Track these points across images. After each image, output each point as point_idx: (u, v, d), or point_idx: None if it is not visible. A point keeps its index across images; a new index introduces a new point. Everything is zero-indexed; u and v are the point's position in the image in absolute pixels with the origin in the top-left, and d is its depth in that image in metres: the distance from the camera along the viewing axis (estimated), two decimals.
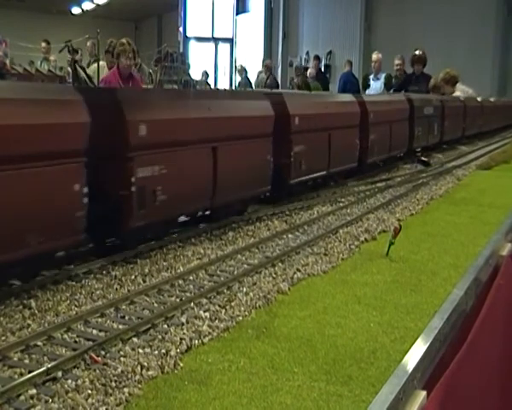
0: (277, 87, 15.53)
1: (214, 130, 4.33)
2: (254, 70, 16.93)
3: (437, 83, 11.83)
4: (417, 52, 11.70)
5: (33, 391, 2.17)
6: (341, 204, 5.64)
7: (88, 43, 11.98)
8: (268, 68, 15.89)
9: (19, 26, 26.76)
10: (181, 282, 3.38)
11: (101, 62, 8.95)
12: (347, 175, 6.88)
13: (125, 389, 2.23)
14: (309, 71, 16.68)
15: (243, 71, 16.13)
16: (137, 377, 2.32)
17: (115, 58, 7.52)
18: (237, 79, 17.65)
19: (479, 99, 12.97)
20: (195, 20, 29.27)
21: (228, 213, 4.75)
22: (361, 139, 6.91)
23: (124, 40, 7.51)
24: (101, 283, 3.32)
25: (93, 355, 2.43)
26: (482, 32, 20.36)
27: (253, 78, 16.61)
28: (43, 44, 12.96)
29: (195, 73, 18.52)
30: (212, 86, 18.39)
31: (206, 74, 17.55)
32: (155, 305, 3.04)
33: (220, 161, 4.34)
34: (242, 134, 4.64)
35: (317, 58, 17.14)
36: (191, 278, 3.47)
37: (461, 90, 12.19)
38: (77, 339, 2.62)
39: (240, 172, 4.61)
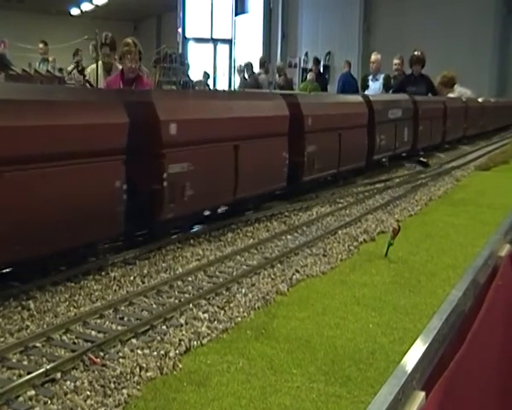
0: (291, 88, 15.58)
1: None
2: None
3: (435, 87, 11.83)
4: (416, 53, 11.69)
5: (32, 392, 2.17)
6: (340, 205, 5.64)
7: (90, 46, 12.04)
8: (280, 70, 16.10)
9: (18, 27, 26.74)
10: (180, 283, 3.38)
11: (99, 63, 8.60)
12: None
13: (124, 391, 2.23)
14: (309, 75, 16.74)
15: (241, 71, 16.13)
16: (136, 378, 2.32)
17: (118, 59, 6.92)
18: (237, 79, 17.66)
19: (463, 99, 12.05)
20: (194, 21, 29.28)
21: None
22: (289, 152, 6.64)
23: (129, 40, 6.79)
24: (99, 284, 3.32)
25: (92, 357, 2.43)
26: (481, 31, 20.37)
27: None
28: (41, 46, 13.04)
29: (195, 74, 18.53)
30: (212, 87, 18.37)
31: (206, 75, 17.54)
32: (154, 306, 3.04)
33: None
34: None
35: (317, 61, 17.19)
36: (190, 279, 3.46)
37: (458, 92, 12.19)
38: (76, 340, 2.62)
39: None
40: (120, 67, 6.90)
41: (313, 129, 5.72)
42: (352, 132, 6.67)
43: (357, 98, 7.55)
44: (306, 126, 5.62)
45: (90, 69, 8.24)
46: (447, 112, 10.54)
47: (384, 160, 7.91)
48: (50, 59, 13.24)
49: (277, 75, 16.17)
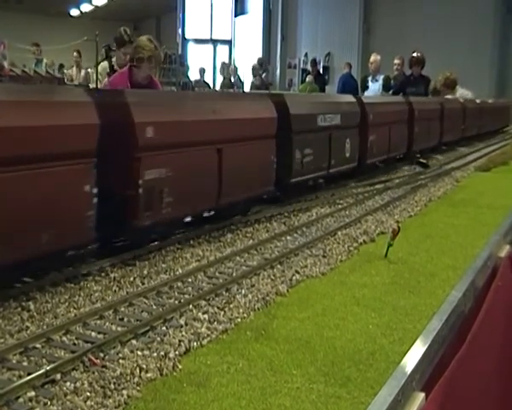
0: (267, 89, 15.53)
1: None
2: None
3: (437, 87, 11.84)
4: (415, 54, 11.70)
5: (32, 393, 2.16)
6: (340, 206, 5.64)
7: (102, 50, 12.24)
8: (256, 70, 16.07)
9: (17, 28, 26.74)
10: (180, 284, 3.38)
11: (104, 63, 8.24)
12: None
13: (124, 392, 2.22)
14: (308, 76, 16.74)
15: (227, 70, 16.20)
16: (136, 379, 2.32)
17: (134, 62, 5.71)
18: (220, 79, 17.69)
19: (438, 100, 10.85)
20: (194, 22, 29.27)
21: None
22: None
23: (149, 42, 5.72)
24: (99, 285, 3.32)
25: (92, 358, 2.43)
26: (481, 31, 20.37)
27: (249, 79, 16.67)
28: (33, 48, 13.29)
29: (194, 74, 18.52)
30: (211, 86, 18.36)
31: (202, 71, 17.48)
32: (154, 307, 3.04)
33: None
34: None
35: (314, 63, 17.22)
36: (190, 280, 3.46)
37: (460, 94, 12.19)
38: (76, 341, 2.62)
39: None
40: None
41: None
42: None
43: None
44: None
45: (102, 68, 7.62)
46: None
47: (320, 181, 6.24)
48: (45, 60, 13.36)
49: (252, 76, 16.15)
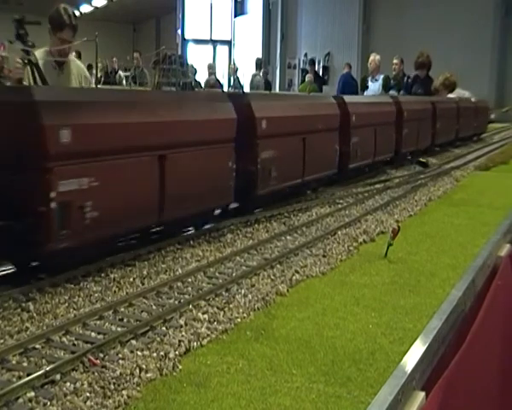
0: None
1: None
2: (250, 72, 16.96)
3: (436, 86, 11.84)
4: (420, 59, 11.77)
5: (32, 394, 2.16)
6: (340, 205, 5.64)
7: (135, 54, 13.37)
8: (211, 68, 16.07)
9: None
10: (179, 284, 3.38)
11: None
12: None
13: (124, 392, 2.22)
14: (307, 76, 16.76)
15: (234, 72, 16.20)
16: (136, 379, 2.32)
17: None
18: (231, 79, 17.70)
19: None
20: (194, 23, 29.30)
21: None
22: None
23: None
24: (99, 285, 3.31)
25: (91, 358, 2.42)
26: (480, 32, 20.41)
27: (247, 79, 16.68)
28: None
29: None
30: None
31: (193, 70, 17.41)
32: (154, 307, 3.03)
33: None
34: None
35: (313, 63, 17.25)
36: (190, 280, 3.46)
37: (457, 93, 12.19)
38: (75, 342, 2.61)
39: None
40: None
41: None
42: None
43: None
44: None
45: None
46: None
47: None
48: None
49: (208, 73, 16.14)
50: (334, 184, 6.47)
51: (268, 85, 16.33)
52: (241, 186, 4.59)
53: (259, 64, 16.76)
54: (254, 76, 16.29)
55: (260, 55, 23.93)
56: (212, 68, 16.45)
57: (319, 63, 23.80)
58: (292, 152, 5.33)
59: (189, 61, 18.51)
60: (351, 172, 6.79)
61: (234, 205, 4.84)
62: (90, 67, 15.30)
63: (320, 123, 5.86)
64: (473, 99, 12.73)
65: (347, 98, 6.80)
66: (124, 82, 14.43)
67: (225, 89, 16.00)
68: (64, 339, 2.63)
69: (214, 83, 15.56)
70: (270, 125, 4.87)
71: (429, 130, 9.64)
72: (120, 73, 14.63)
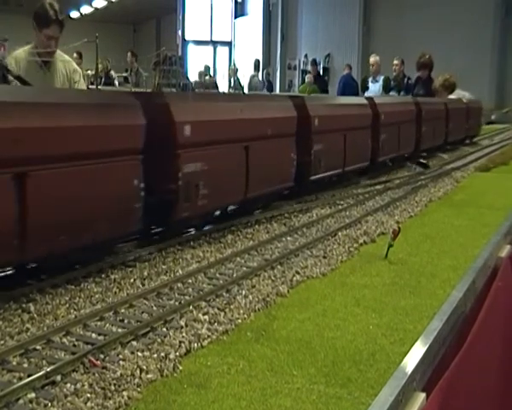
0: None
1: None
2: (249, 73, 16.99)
3: (435, 87, 11.84)
4: (422, 59, 11.76)
5: (32, 395, 2.16)
6: (340, 207, 5.64)
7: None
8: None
9: (17, 30, 26.76)
10: (180, 285, 3.38)
11: None
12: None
13: (125, 393, 2.22)
14: (307, 77, 16.75)
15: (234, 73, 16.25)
16: (136, 380, 2.31)
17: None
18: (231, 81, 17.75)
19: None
20: (194, 24, 29.32)
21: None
22: None
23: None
24: (100, 286, 3.31)
25: (92, 359, 2.42)
26: (480, 33, 20.42)
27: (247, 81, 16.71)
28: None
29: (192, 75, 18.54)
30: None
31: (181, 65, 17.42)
32: (154, 308, 3.03)
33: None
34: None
35: (315, 63, 17.23)
36: (190, 281, 3.46)
37: (457, 94, 12.18)
38: (76, 343, 2.61)
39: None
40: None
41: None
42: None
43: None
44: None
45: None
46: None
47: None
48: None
49: (257, 77, 16.22)
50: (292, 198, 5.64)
51: (270, 87, 16.34)
52: (154, 211, 3.82)
53: (258, 65, 16.79)
54: (252, 77, 16.32)
55: (260, 57, 23.94)
56: (207, 70, 16.54)
57: (319, 64, 23.79)
58: (230, 164, 4.43)
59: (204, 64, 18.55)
60: (312, 184, 5.83)
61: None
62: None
63: (270, 128, 4.91)
64: (464, 99, 12.12)
65: (308, 99, 5.84)
66: (116, 82, 14.39)
67: (225, 89, 16.05)
68: (65, 340, 2.63)
69: (209, 83, 15.66)
70: (196, 131, 4.01)
71: (413, 134, 8.63)
72: (112, 72, 14.58)
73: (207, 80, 15.92)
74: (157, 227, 4.21)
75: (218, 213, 4.72)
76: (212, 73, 23.26)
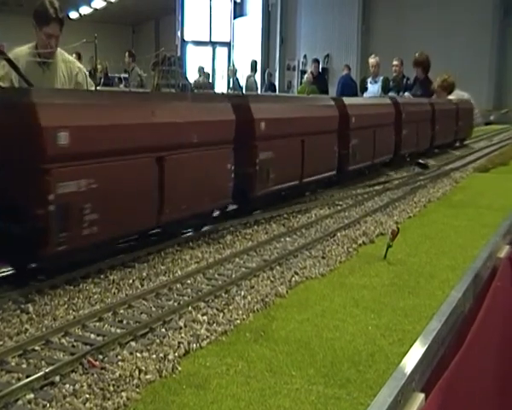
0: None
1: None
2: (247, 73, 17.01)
3: (434, 88, 11.83)
4: (416, 55, 11.75)
5: (31, 396, 2.16)
6: (339, 207, 5.64)
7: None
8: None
9: (17, 31, 26.75)
10: (179, 286, 3.38)
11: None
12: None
13: (123, 394, 2.22)
14: (306, 75, 16.71)
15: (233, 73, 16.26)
16: (135, 381, 2.31)
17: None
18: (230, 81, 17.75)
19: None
20: (193, 24, 29.31)
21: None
22: None
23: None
24: (98, 287, 3.31)
25: (91, 360, 2.42)
26: (479, 34, 20.44)
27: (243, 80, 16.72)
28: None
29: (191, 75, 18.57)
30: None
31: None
32: (153, 309, 3.03)
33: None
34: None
35: (317, 61, 17.18)
36: (189, 281, 3.46)
37: (456, 94, 12.17)
38: (75, 343, 2.61)
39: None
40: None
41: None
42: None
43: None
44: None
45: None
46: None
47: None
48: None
49: (253, 77, 16.24)
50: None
51: (272, 87, 16.32)
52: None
53: (254, 66, 16.80)
54: (249, 77, 16.34)
55: (260, 57, 23.96)
56: (201, 70, 16.58)
57: (319, 62, 23.79)
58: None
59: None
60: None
61: None
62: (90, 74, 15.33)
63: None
64: (454, 100, 11.57)
65: (252, 99, 5.02)
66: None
67: (224, 90, 16.04)
68: (63, 341, 2.63)
69: (203, 83, 15.68)
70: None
71: (391, 139, 7.86)
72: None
73: (200, 81, 15.96)
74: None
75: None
76: (210, 74, 23.31)
